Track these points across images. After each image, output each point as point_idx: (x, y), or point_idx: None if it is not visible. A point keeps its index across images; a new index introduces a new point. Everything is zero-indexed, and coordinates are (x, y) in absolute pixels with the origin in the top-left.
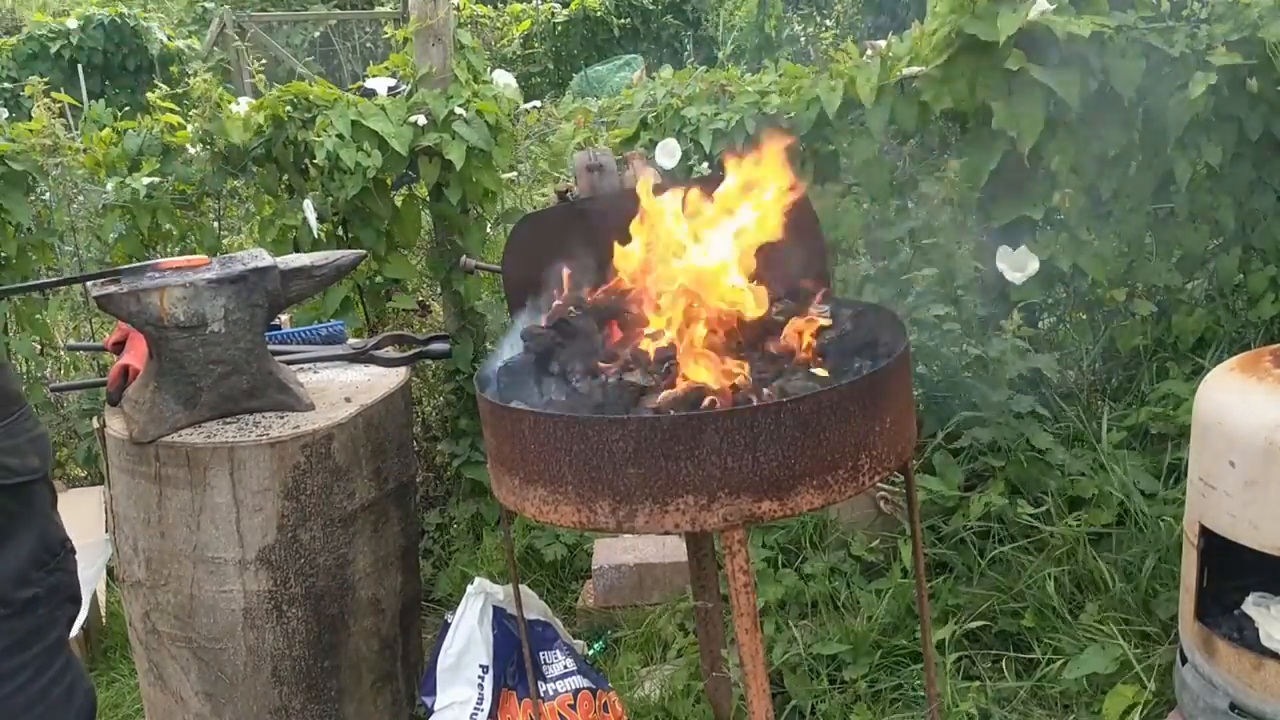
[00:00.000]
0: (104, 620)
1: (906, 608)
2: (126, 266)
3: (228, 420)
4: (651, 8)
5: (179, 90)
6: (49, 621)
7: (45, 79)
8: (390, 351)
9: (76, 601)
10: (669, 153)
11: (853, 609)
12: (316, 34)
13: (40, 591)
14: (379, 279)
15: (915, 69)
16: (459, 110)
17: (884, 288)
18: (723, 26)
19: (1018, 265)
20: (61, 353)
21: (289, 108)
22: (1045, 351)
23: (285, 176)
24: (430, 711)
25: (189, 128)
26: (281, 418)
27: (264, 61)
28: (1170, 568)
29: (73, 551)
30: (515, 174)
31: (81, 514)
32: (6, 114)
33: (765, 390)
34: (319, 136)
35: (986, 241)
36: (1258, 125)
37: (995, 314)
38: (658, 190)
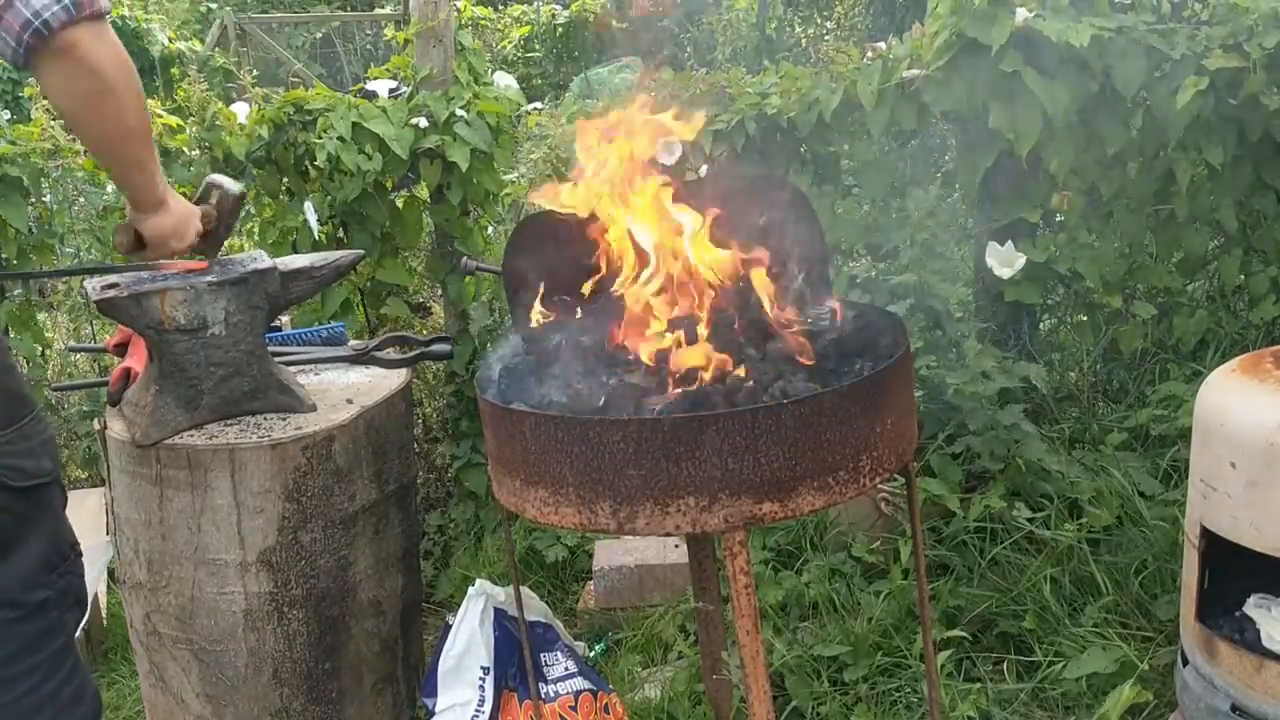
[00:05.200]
0: (104, 622)
1: (907, 609)
2: (129, 264)
3: (229, 422)
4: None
5: (177, 100)
6: (59, 624)
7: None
8: (391, 353)
9: (83, 605)
10: (670, 150)
11: (853, 610)
12: (318, 36)
13: (51, 594)
14: (375, 280)
15: (915, 71)
16: (460, 112)
17: (872, 293)
18: (722, 28)
19: (1005, 261)
20: (57, 354)
21: (290, 111)
22: (1046, 353)
23: (285, 179)
24: (431, 713)
25: (188, 131)
26: (283, 419)
27: (255, 73)
28: (1171, 569)
29: (81, 554)
30: (516, 175)
31: (82, 516)
32: (8, 115)
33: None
34: (320, 138)
35: (985, 245)
36: (1258, 126)
37: (995, 315)
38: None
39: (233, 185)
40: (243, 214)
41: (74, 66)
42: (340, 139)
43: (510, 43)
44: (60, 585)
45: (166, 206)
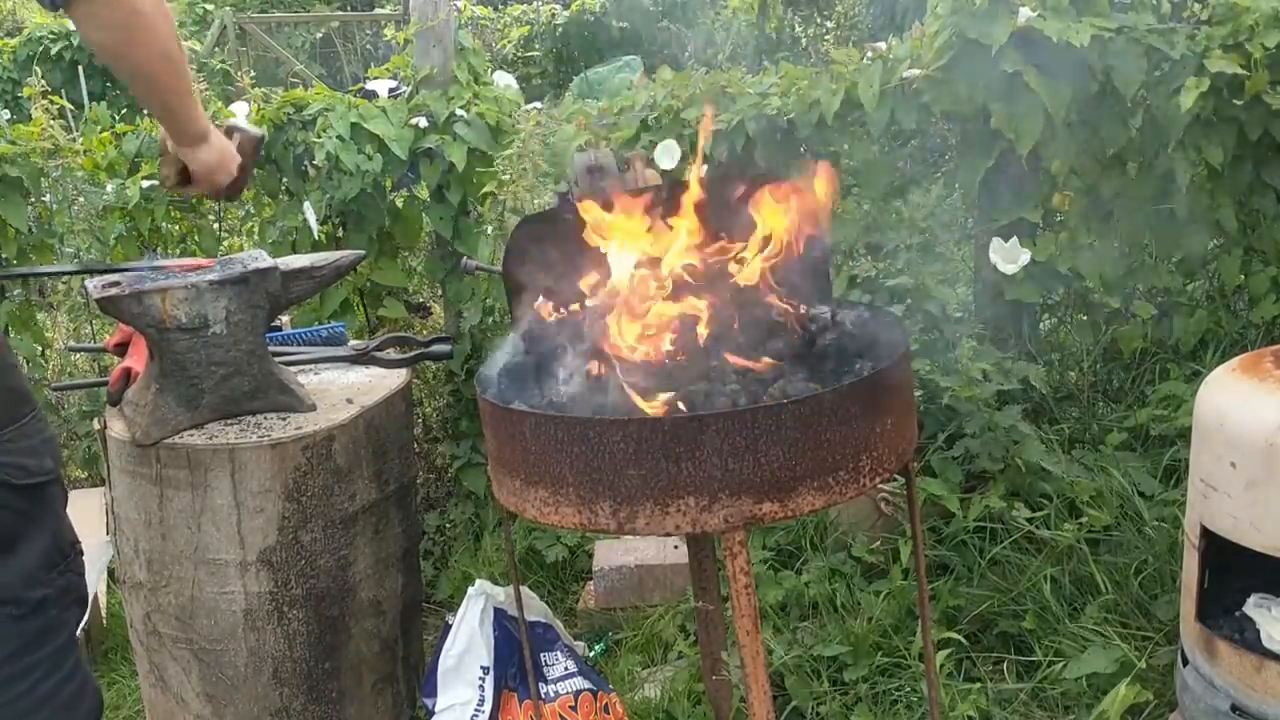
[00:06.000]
0: (104, 622)
1: (907, 609)
2: (133, 264)
3: (229, 421)
4: (651, 9)
5: None
6: (59, 622)
7: (44, 80)
8: (391, 353)
9: (84, 603)
10: (669, 154)
11: (853, 610)
12: (318, 36)
13: (51, 592)
14: (372, 281)
15: (915, 71)
16: (460, 112)
17: (872, 294)
18: (722, 28)
19: (1010, 257)
20: (57, 354)
21: (289, 111)
22: (1046, 353)
23: (285, 179)
24: (431, 713)
25: None
26: (283, 419)
27: (254, 74)
28: (1171, 569)
29: (81, 553)
30: (500, 165)
31: (82, 516)
32: (8, 115)
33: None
34: (319, 138)
35: (985, 245)
36: (1258, 126)
37: (995, 315)
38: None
39: (252, 128)
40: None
41: (105, 3)
42: (339, 139)
43: (510, 43)
44: (61, 583)
45: (209, 139)
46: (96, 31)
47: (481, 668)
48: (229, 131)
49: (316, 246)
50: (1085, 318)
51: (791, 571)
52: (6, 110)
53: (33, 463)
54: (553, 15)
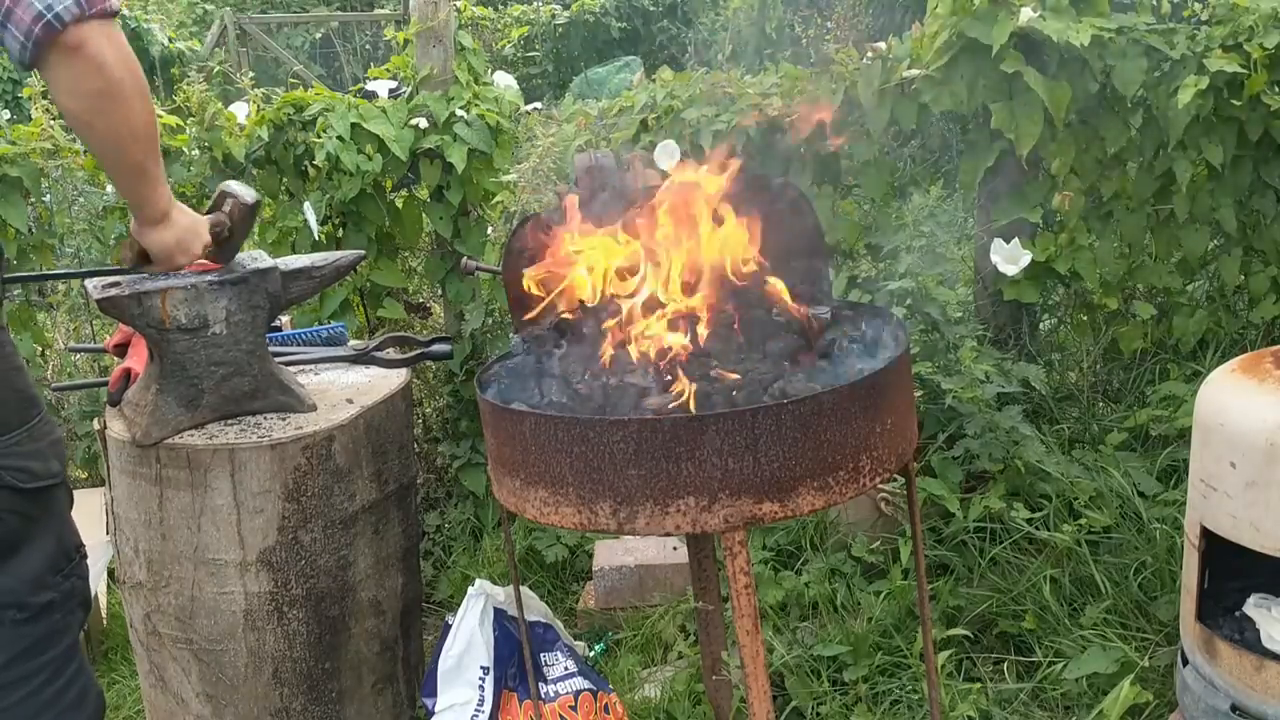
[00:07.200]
0: (104, 622)
1: (907, 609)
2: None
3: (229, 421)
4: (651, 9)
5: (175, 100)
6: (63, 626)
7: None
8: (391, 353)
9: (88, 606)
10: (669, 154)
11: (853, 610)
12: (317, 36)
13: (56, 596)
14: (371, 282)
15: (915, 71)
16: (460, 112)
17: (872, 294)
18: (721, 27)
19: (1011, 258)
20: (57, 354)
21: (289, 111)
22: (1046, 353)
23: (285, 179)
24: (431, 713)
25: (187, 131)
26: (283, 419)
27: (253, 75)
28: (1171, 569)
29: (86, 556)
30: (515, 175)
31: (82, 516)
32: (8, 115)
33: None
34: (319, 138)
35: (985, 245)
36: (1258, 126)
37: (995, 315)
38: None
39: (246, 194)
40: (256, 222)
41: (82, 64)
42: (340, 139)
43: (510, 43)
44: (65, 587)
45: (170, 219)
46: (68, 98)
47: (481, 668)
48: (222, 197)
49: (316, 246)
50: (1085, 318)
51: (791, 571)
52: (6, 110)
53: (38, 466)
54: (553, 15)
